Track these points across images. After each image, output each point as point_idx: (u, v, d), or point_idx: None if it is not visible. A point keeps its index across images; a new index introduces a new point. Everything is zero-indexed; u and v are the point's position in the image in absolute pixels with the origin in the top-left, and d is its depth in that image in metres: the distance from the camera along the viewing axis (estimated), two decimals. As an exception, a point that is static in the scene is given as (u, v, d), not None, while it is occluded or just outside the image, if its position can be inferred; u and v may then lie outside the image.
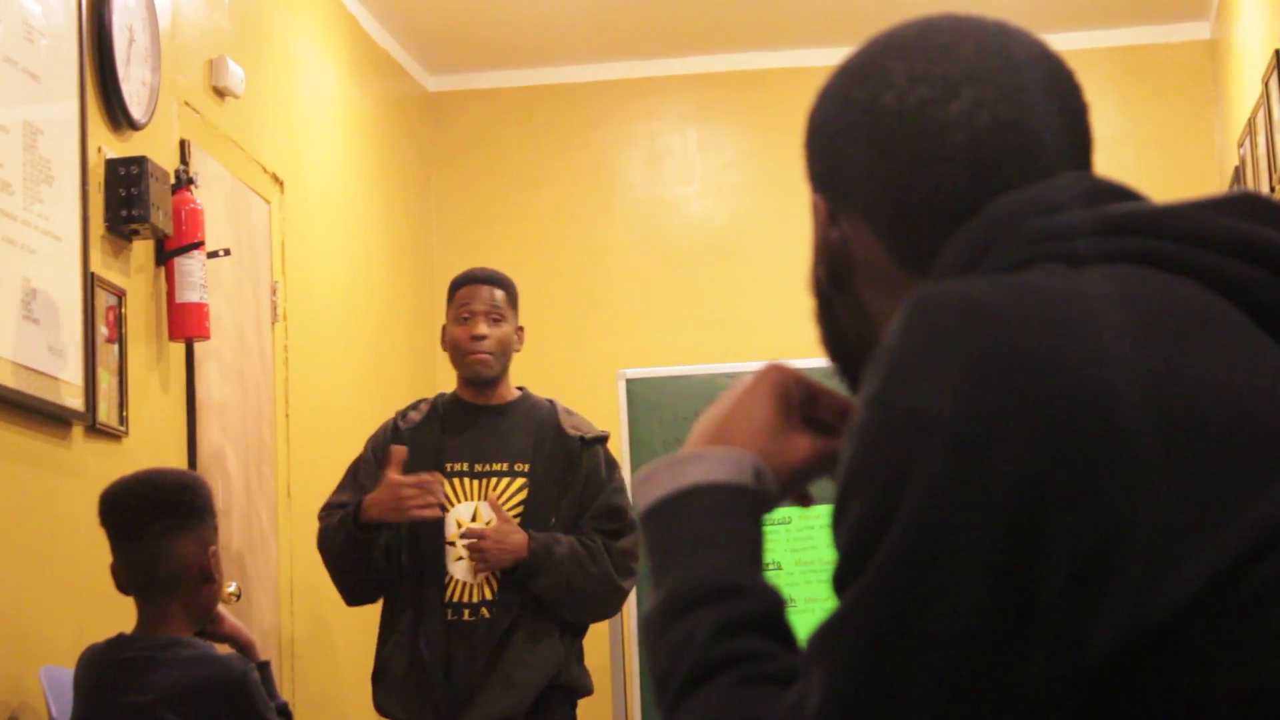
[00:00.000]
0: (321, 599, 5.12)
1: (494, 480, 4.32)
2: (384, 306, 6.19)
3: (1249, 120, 5.40)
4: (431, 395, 4.55)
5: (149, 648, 3.02)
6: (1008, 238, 1.14)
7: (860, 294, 1.23)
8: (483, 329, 4.36)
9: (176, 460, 4.21)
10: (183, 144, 4.40)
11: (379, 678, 4.34)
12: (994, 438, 1.02)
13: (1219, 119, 6.50)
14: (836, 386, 1.31)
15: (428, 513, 4.16)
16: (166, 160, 4.21)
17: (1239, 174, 5.67)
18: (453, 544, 4.28)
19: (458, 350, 4.40)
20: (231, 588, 4.39)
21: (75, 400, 3.70)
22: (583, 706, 4.45)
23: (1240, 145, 5.63)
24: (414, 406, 4.48)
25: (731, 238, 6.85)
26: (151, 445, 4.06)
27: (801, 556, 5.64)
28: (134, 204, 3.93)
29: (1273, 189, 4.92)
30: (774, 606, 1.17)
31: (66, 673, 3.21)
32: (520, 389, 4.49)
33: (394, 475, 4.15)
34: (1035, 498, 1.01)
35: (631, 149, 6.98)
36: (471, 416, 4.40)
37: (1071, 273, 1.11)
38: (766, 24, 6.62)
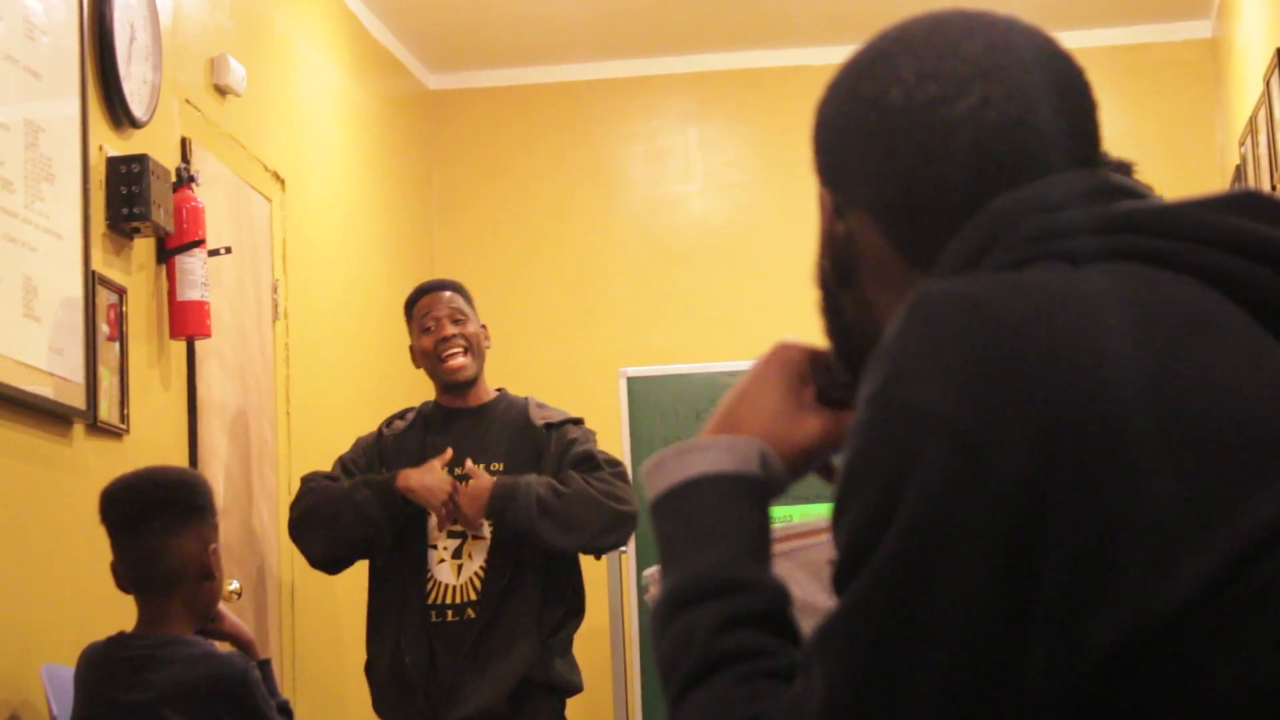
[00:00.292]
0: (322, 597, 5.13)
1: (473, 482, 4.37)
2: (385, 305, 6.19)
3: (1250, 118, 5.40)
4: (433, 394, 4.57)
5: (150, 646, 3.02)
6: (1009, 236, 1.14)
7: (865, 288, 1.23)
8: (449, 330, 4.43)
9: (177, 458, 4.21)
10: (184, 142, 4.40)
11: (368, 675, 4.43)
12: (994, 436, 1.02)
13: (1220, 117, 6.50)
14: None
15: (445, 518, 4.28)
16: (168, 158, 4.21)
17: (1240, 172, 5.67)
18: (434, 546, 4.33)
19: (430, 359, 4.47)
20: (232, 586, 4.39)
21: (76, 398, 3.70)
22: (583, 706, 4.45)
23: (1241, 144, 5.63)
24: (400, 415, 4.58)
25: (732, 236, 6.85)
26: (152, 443, 4.06)
27: (802, 555, 5.64)
28: (135, 202, 3.93)
29: (1274, 187, 4.91)
30: (776, 601, 1.17)
31: (67, 671, 3.21)
32: (499, 390, 4.53)
33: (443, 471, 4.28)
34: (1035, 496, 1.01)
35: (632, 147, 6.98)
36: (451, 420, 4.47)
37: (1072, 271, 1.11)
38: (768, 22, 6.62)
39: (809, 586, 1.56)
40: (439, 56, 6.83)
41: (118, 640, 3.06)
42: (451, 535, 4.35)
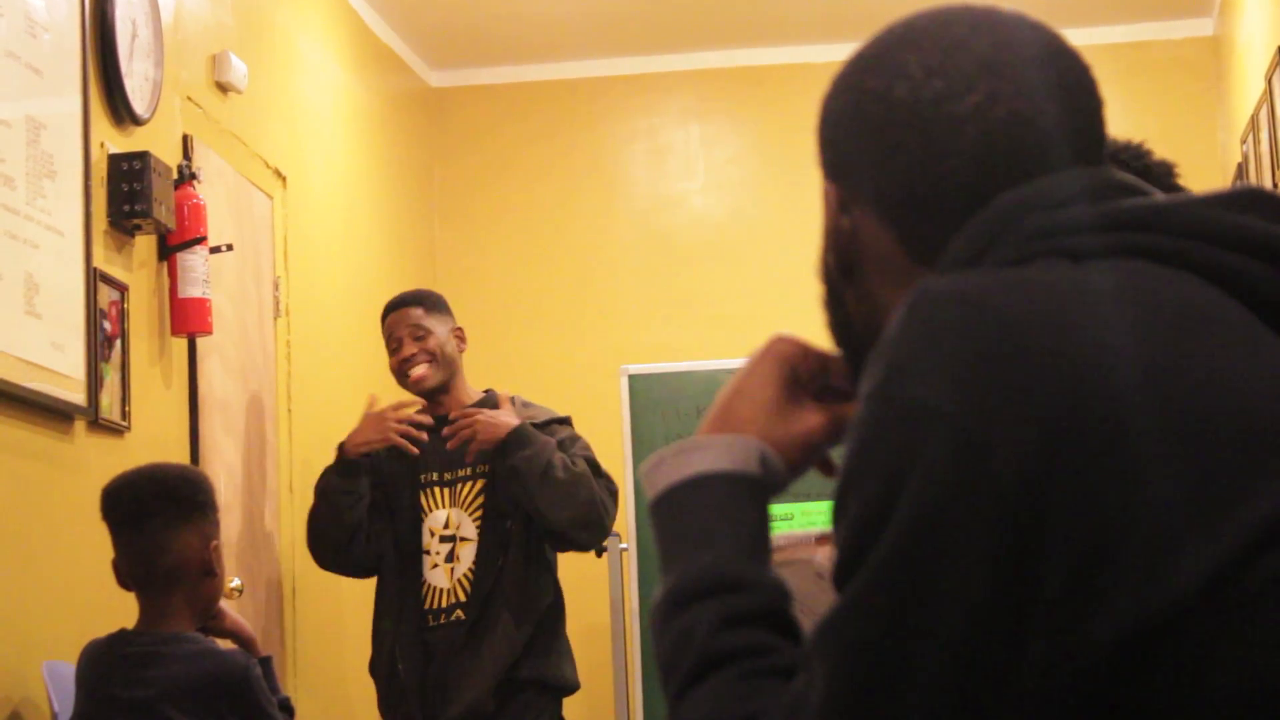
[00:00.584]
0: (324, 594, 5.13)
1: (461, 485, 4.43)
2: (386, 302, 6.19)
3: (1252, 116, 5.40)
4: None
5: (151, 643, 3.02)
6: (1011, 233, 1.14)
7: (868, 283, 1.23)
8: (408, 350, 4.52)
9: (178, 455, 4.21)
10: (185, 139, 4.40)
11: (371, 675, 4.51)
12: (994, 432, 1.02)
13: (1222, 115, 6.50)
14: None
15: (408, 444, 4.37)
16: (169, 155, 4.21)
17: (1242, 170, 5.67)
18: (428, 552, 4.38)
19: (399, 377, 4.56)
20: (234, 583, 4.39)
21: (77, 395, 3.70)
22: (584, 703, 4.46)
23: (1243, 141, 5.63)
24: None
25: (734, 233, 6.85)
26: (154, 440, 4.06)
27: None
28: (136, 199, 3.93)
29: (1276, 184, 4.91)
30: (776, 599, 1.17)
31: (68, 668, 3.21)
32: (486, 391, 4.57)
33: (376, 409, 4.37)
34: (1036, 492, 1.01)
35: (634, 144, 6.98)
36: (439, 427, 4.50)
37: (1074, 268, 1.11)
38: (769, 20, 6.62)
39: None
40: (440, 54, 6.83)
41: (119, 637, 3.07)
42: (444, 540, 4.39)
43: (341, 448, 4.44)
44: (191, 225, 4.16)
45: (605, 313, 6.80)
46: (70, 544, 3.60)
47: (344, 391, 5.59)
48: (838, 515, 1.08)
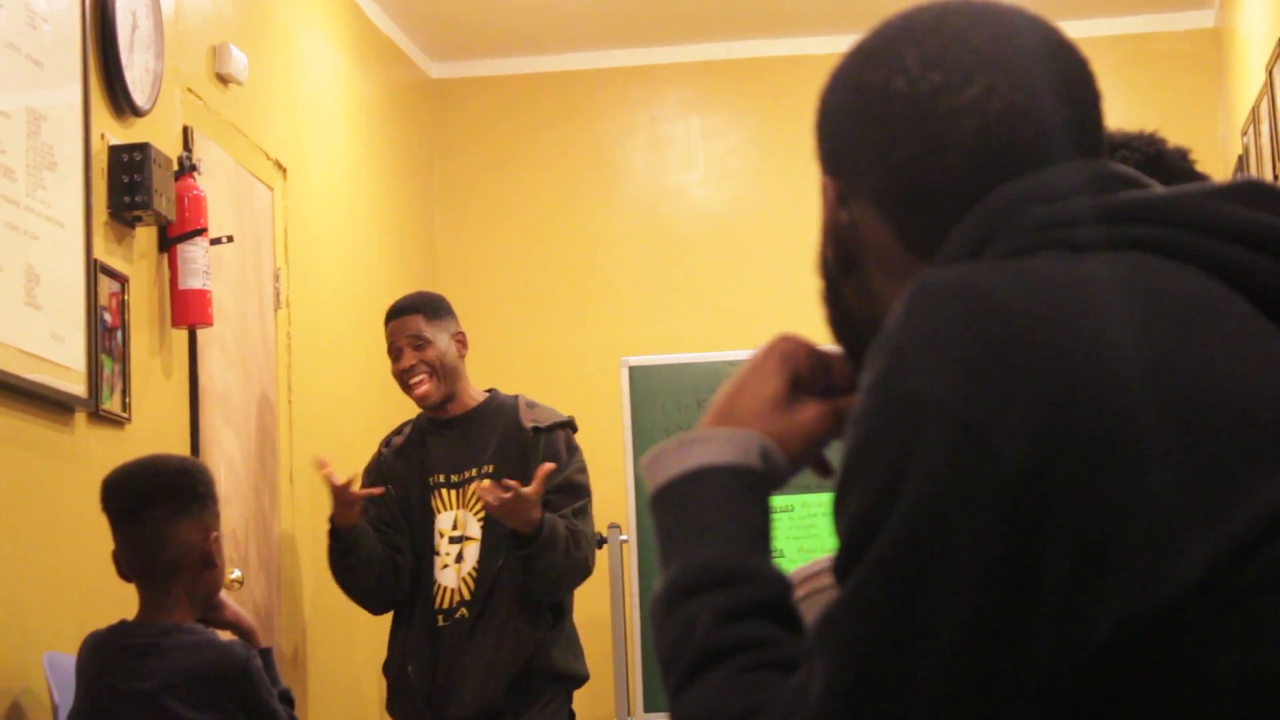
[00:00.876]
0: (323, 585, 5.13)
1: (470, 487, 4.42)
2: (387, 293, 6.16)
3: (1253, 108, 5.39)
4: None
5: (151, 634, 3.02)
6: (1011, 225, 1.14)
7: (867, 277, 1.23)
8: (408, 360, 4.49)
9: (179, 447, 4.21)
10: (186, 130, 4.39)
11: (384, 674, 4.54)
12: (995, 424, 1.02)
13: (1223, 107, 6.49)
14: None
15: (343, 515, 4.36)
16: (169, 147, 4.21)
17: (1243, 162, 5.66)
18: (438, 553, 4.39)
19: (400, 385, 4.55)
20: (234, 574, 4.39)
21: (78, 386, 3.70)
22: (586, 694, 4.47)
23: (1244, 133, 5.62)
24: (397, 431, 4.65)
25: (734, 225, 6.85)
26: (154, 432, 4.07)
27: (804, 544, 5.64)
28: (137, 190, 3.93)
29: (1276, 176, 4.91)
30: (777, 592, 1.17)
31: (69, 659, 3.21)
32: (489, 391, 4.57)
33: (335, 482, 4.34)
34: (1036, 484, 1.01)
35: (634, 136, 6.97)
36: (441, 430, 4.53)
37: (1074, 260, 1.11)
38: (769, 11, 6.62)
39: None
40: (441, 45, 6.82)
41: (119, 628, 3.07)
42: (453, 541, 4.41)
43: (332, 521, 4.41)
44: (192, 217, 4.16)
45: (606, 304, 6.80)
46: (71, 535, 3.60)
47: (344, 383, 5.59)
48: (839, 508, 1.08)
